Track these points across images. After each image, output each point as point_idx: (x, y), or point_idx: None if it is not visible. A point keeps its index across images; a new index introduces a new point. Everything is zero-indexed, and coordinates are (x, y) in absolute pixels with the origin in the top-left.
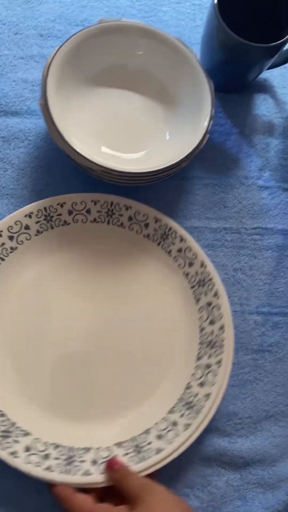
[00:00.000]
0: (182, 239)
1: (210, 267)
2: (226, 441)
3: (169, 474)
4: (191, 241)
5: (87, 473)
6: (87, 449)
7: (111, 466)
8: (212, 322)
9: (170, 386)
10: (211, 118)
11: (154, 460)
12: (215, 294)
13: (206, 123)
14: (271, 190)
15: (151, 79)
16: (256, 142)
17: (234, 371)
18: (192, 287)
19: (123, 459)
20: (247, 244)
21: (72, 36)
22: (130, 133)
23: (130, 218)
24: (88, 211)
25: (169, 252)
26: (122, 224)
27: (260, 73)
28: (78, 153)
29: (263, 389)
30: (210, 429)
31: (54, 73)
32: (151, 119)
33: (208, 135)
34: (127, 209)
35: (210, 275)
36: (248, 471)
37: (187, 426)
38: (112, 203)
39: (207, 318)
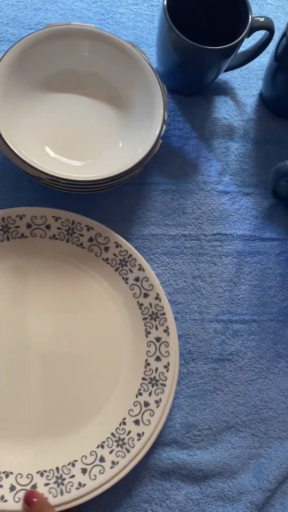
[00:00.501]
0: (140, 268)
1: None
2: (185, 453)
3: (125, 489)
4: (149, 271)
5: (2, 499)
6: (7, 474)
7: (30, 500)
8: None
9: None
10: (163, 123)
11: (74, 495)
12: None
13: (158, 129)
14: (231, 195)
15: (102, 83)
16: (216, 146)
17: (193, 381)
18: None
19: (43, 490)
20: (207, 250)
21: (17, 42)
22: (82, 139)
23: (90, 239)
24: (48, 227)
25: (126, 280)
26: (81, 244)
27: (217, 75)
28: (23, 160)
29: (223, 399)
30: (169, 442)
31: (0, 80)
32: (103, 124)
33: (161, 141)
34: (88, 229)
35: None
36: (207, 484)
37: (114, 463)
38: (73, 222)
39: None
